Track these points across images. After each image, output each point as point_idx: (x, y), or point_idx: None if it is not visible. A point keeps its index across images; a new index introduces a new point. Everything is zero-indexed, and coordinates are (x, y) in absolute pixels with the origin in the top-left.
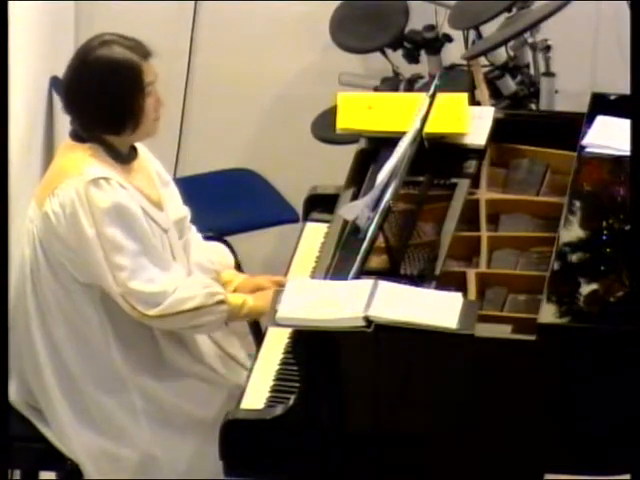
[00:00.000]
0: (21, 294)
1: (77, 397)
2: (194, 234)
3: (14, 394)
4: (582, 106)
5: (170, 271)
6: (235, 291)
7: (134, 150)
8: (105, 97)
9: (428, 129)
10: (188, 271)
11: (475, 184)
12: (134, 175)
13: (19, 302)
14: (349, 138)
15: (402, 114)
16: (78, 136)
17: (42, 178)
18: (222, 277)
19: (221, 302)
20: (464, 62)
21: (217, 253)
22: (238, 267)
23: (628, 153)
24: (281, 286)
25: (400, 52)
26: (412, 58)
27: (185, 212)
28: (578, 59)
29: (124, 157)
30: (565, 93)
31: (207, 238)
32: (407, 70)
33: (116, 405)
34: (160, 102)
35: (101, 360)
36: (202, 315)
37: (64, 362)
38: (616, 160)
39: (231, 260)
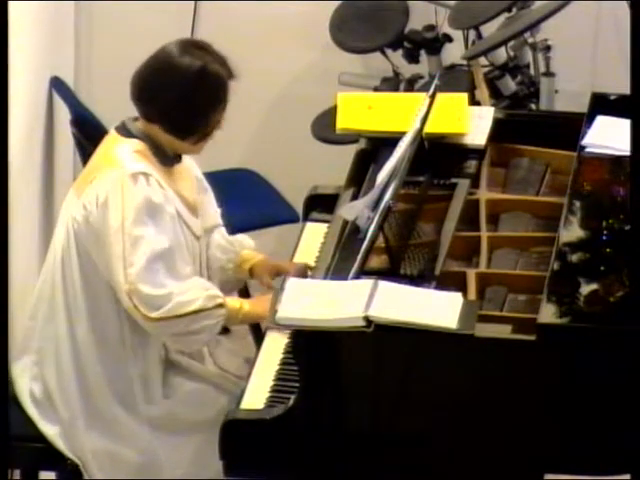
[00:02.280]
0: (49, 283)
1: (90, 396)
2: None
3: (22, 380)
4: (582, 106)
5: (180, 279)
6: (252, 269)
7: (179, 155)
8: (189, 104)
9: (428, 129)
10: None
11: (475, 184)
12: (175, 178)
13: (44, 292)
14: (349, 138)
15: (402, 114)
16: (125, 130)
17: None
18: (242, 256)
19: (220, 305)
20: (464, 62)
21: (237, 238)
22: None
23: (628, 153)
24: (301, 272)
25: (400, 52)
26: (412, 58)
27: (218, 221)
28: (578, 59)
29: (169, 159)
30: (565, 93)
31: None
32: (407, 70)
33: (121, 406)
34: (221, 125)
35: (113, 359)
36: (202, 319)
37: (83, 358)
38: (616, 160)
39: (251, 243)
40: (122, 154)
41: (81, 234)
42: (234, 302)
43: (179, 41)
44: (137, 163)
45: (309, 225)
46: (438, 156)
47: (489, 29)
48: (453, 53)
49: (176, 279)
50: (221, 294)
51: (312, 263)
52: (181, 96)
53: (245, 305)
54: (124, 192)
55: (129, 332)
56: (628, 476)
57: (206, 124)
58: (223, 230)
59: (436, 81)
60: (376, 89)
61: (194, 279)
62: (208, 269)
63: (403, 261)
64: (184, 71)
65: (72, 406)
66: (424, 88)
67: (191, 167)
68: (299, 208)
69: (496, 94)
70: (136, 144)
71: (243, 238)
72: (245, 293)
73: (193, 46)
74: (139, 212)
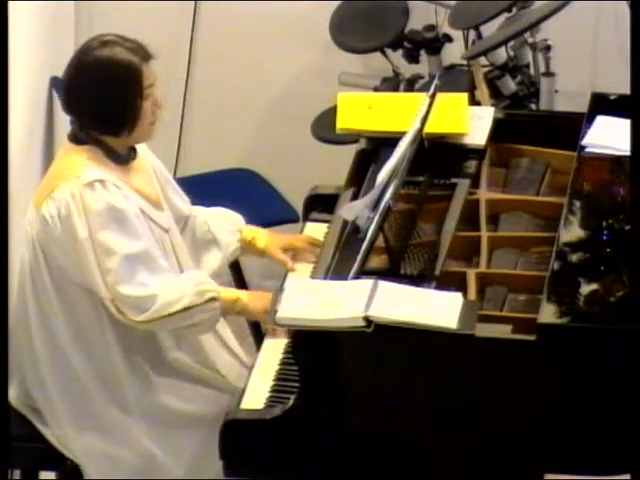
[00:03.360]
0: (22, 296)
1: (78, 399)
2: (199, 210)
3: (14, 395)
4: (582, 106)
5: (161, 274)
6: (266, 248)
7: (133, 150)
8: (104, 98)
9: (428, 129)
10: (191, 268)
11: (475, 184)
12: (133, 175)
13: (21, 304)
14: (349, 138)
15: (402, 114)
16: (77, 138)
17: (42, 178)
18: (245, 235)
19: (212, 299)
20: (464, 62)
21: (229, 215)
22: (237, 268)
23: (628, 153)
24: (314, 245)
25: (400, 52)
26: (412, 58)
27: (187, 210)
28: (578, 59)
29: (123, 158)
30: (565, 93)
31: None
32: (407, 70)
33: (115, 406)
34: (158, 105)
35: (101, 361)
36: (193, 315)
37: (67, 363)
38: (616, 160)
39: (240, 218)
40: (76, 164)
41: (47, 247)
42: (230, 294)
43: (85, 43)
44: (91, 171)
45: (309, 225)
46: (438, 156)
47: (489, 29)
48: (453, 53)
49: (158, 275)
50: (214, 287)
51: (310, 265)
52: (95, 96)
53: (243, 297)
54: (84, 203)
55: (113, 337)
56: (628, 476)
57: (130, 114)
58: (201, 208)
59: (436, 81)
60: (376, 89)
61: (186, 273)
62: (200, 250)
63: (403, 261)
64: (91, 72)
65: (60, 413)
66: (424, 88)
67: (147, 158)
68: (299, 208)
69: (496, 94)
70: (87, 151)
71: (231, 213)
72: (242, 283)
73: (100, 44)
74: (104, 219)
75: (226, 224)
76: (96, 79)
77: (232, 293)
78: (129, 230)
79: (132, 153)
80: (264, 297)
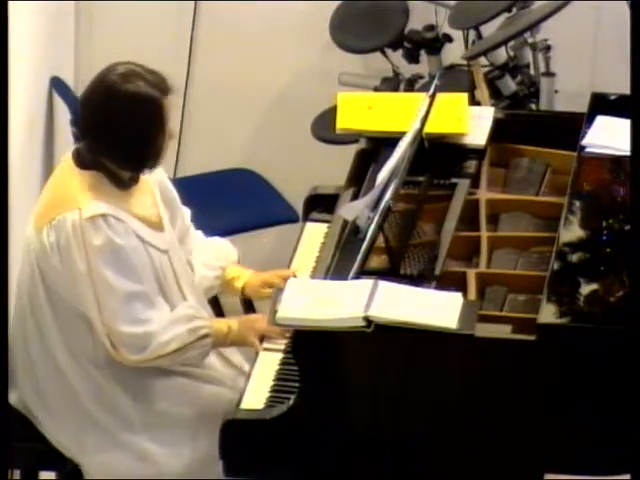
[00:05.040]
0: (20, 312)
1: (77, 413)
2: (194, 232)
3: (14, 400)
4: (582, 106)
5: (159, 307)
6: (244, 288)
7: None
8: (133, 139)
9: (428, 129)
10: (191, 291)
11: (475, 184)
12: (134, 198)
13: (19, 320)
14: (349, 138)
15: (402, 114)
16: (80, 160)
17: (42, 178)
18: (227, 273)
19: (205, 336)
20: (464, 62)
21: (220, 249)
22: None
23: (628, 153)
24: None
25: (400, 52)
26: (412, 58)
27: (186, 226)
28: (578, 59)
29: (126, 183)
30: (565, 93)
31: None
32: (407, 70)
33: (114, 416)
34: (172, 136)
35: (96, 379)
36: (186, 352)
37: (66, 380)
38: (616, 160)
39: (235, 255)
40: (78, 191)
41: (45, 271)
42: (222, 325)
43: (108, 74)
44: (94, 204)
45: (309, 225)
46: (438, 156)
47: (489, 29)
48: (453, 53)
49: (155, 309)
50: (207, 322)
51: (312, 263)
52: (122, 131)
53: (234, 326)
54: (84, 236)
55: (102, 347)
56: (628, 476)
57: (155, 153)
58: (200, 236)
59: (436, 81)
60: (376, 89)
61: (179, 309)
62: (195, 272)
63: (403, 261)
64: (117, 106)
65: (59, 425)
66: (424, 88)
67: (150, 177)
68: (299, 208)
69: (496, 94)
70: (90, 177)
71: (226, 248)
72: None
73: (122, 77)
74: (104, 255)
75: (212, 258)
76: (124, 118)
77: (224, 324)
78: (128, 266)
79: (135, 176)
80: (256, 320)
